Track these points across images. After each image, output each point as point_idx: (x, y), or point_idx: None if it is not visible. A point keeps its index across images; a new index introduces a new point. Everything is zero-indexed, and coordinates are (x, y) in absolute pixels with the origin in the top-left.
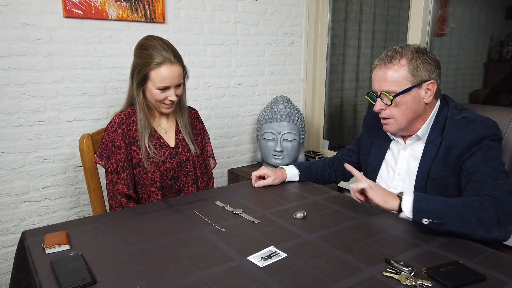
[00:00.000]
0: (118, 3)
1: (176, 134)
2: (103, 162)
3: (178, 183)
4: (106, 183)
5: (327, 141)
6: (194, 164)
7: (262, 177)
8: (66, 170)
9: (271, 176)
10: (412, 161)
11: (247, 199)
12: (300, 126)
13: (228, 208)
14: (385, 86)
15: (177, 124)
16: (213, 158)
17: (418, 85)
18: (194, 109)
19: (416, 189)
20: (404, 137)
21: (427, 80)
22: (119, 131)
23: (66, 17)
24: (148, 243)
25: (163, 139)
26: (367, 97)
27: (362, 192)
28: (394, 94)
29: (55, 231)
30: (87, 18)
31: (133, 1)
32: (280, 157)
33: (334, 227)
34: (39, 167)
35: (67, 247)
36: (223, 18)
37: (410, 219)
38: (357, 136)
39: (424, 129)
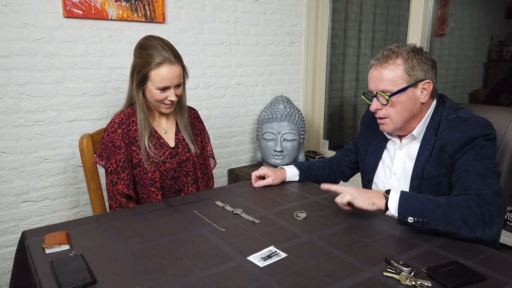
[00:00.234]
0: (118, 3)
1: (176, 134)
2: (103, 162)
3: (178, 183)
4: (106, 183)
5: (327, 141)
6: (194, 164)
7: (262, 177)
8: (66, 170)
9: (271, 176)
10: (407, 160)
11: (247, 199)
12: (300, 126)
13: (228, 208)
14: (381, 85)
15: (177, 124)
16: (213, 158)
17: (414, 84)
18: (194, 109)
19: (411, 188)
20: (400, 137)
21: (423, 80)
22: (119, 131)
23: (66, 17)
24: (148, 243)
25: (163, 139)
26: (363, 97)
27: (349, 203)
28: (390, 94)
29: (55, 231)
30: (87, 18)
31: (133, 1)
32: (280, 157)
33: (334, 227)
34: (39, 167)
35: (67, 247)
36: (223, 18)
37: (396, 217)
38: (356, 136)
39: (419, 129)
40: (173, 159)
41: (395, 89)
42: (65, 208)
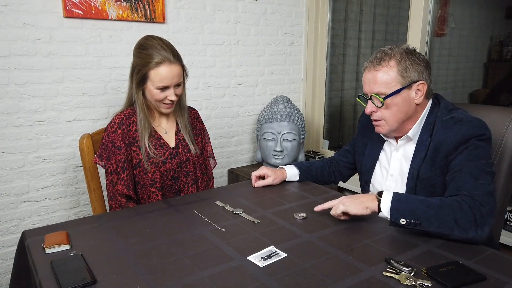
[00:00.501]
0: (118, 3)
1: (176, 134)
2: (103, 163)
3: (178, 183)
4: (106, 184)
5: (327, 141)
6: (194, 164)
7: (262, 177)
8: (66, 170)
9: (271, 176)
10: (404, 161)
11: (247, 199)
12: (300, 126)
13: (228, 208)
14: (375, 88)
15: (177, 124)
16: (213, 158)
17: (408, 86)
18: (194, 109)
19: (407, 190)
20: (396, 138)
21: (417, 81)
22: (119, 131)
23: (66, 17)
24: (148, 243)
25: (163, 139)
26: (358, 100)
27: (344, 213)
28: (384, 96)
29: (55, 231)
30: (87, 18)
31: (133, 1)
32: (280, 157)
33: (334, 227)
34: (39, 167)
35: (67, 247)
36: (223, 18)
37: (388, 219)
38: (354, 136)
39: (414, 130)
40: (173, 160)
41: (389, 91)
42: (65, 208)
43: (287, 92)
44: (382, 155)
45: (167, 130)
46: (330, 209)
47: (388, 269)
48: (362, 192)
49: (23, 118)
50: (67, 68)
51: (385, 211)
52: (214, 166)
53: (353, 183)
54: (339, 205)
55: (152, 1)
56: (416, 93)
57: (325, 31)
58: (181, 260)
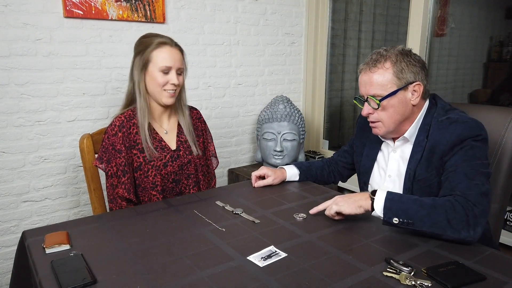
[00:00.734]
0: (118, 3)
1: (177, 136)
2: (103, 166)
3: (180, 185)
4: (107, 186)
5: (327, 141)
6: (195, 166)
7: (262, 177)
8: (66, 170)
9: (271, 176)
10: (401, 162)
11: (247, 199)
12: (300, 126)
13: (228, 208)
14: (371, 90)
15: (179, 125)
16: (216, 157)
17: (404, 87)
18: (196, 109)
19: (404, 191)
20: (394, 139)
21: (413, 82)
22: (120, 134)
23: (66, 17)
24: (148, 243)
25: (164, 141)
26: (355, 102)
27: (338, 213)
28: (381, 98)
29: (55, 231)
30: (87, 18)
31: (133, 1)
32: (280, 157)
33: (334, 227)
34: (39, 167)
35: (67, 247)
36: (223, 18)
37: (381, 218)
38: (353, 137)
39: (411, 131)
40: (174, 162)
41: (385, 93)
42: (65, 208)
43: (287, 92)
44: (380, 156)
45: (168, 131)
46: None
47: (388, 269)
48: None
49: (24, 118)
50: (67, 68)
51: (378, 210)
52: (217, 166)
53: (353, 183)
54: (332, 206)
55: (152, 1)
56: (413, 94)
57: (325, 31)
58: (181, 260)
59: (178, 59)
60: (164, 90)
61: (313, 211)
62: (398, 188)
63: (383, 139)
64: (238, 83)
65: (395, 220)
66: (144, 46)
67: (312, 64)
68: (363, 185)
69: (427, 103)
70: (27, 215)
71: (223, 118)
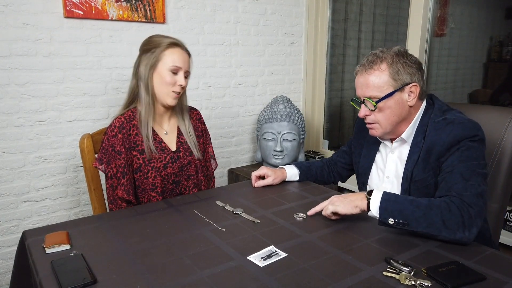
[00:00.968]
0: (119, 3)
1: (177, 137)
2: (103, 167)
3: (180, 187)
4: (106, 188)
5: (327, 141)
6: (196, 167)
7: (262, 177)
8: (66, 170)
9: (271, 176)
10: (399, 163)
11: (247, 199)
12: (300, 126)
13: (228, 208)
14: (367, 91)
15: (178, 125)
16: (214, 159)
17: (400, 88)
18: (196, 110)
19: (402, 192)
20: (392, 139)
21: (409, 83)
22: (119, 135)
23: (67, 17)
24: (148, 243)
25: (164, 142)
26: (352, 103)
27: (335, 213)
28: (377, 100)
29: (55, 231)
30: (88, 18)
31: (134, 1)
32: (280, 157)
33: (334, 227)
34: (39, 167)
35: (67, 247)
36: (223, 18)
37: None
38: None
39: (408, 132)
40: (174, 164)
41: (382, 95)
42: (65, 208)
43: (287, 92)
44: (378, 157)
45: (168, 132)
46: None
47: (388, 269)
48: None
49: (24, 118)
50: (67, 68)
51: (374, 210)
52: (215, 168)
53: (354, 183)
54: (328, 206)
55: (153, 1)
56: (409, 95)
57: (325, 31)
58: (181, 260)
59: (187, 62)
60: (171, 91)
61: (310, 212)
62: (397, 189)
63: (381, 140)
64: (238, 83)
65: (391, 221)
66: (154, 45)
67: (312, 64)
68: (362, 185)
69: (424, 103)
70: (27, 215)
71: (223, 118)
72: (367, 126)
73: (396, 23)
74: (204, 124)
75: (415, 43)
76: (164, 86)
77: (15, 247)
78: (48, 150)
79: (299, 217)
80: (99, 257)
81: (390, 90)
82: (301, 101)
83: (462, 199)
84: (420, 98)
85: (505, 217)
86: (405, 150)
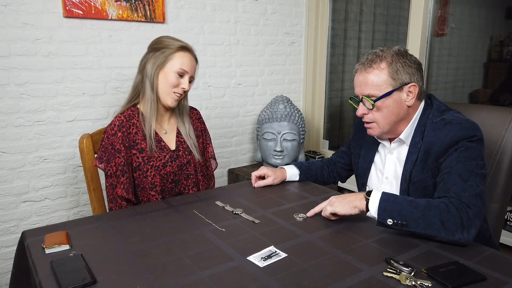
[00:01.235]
0: (118, 3)
1: (177, 136)
2: (103, 165)
3: (179, 186)
4: (106, 186)
5: (327, 141)
6: (195, 167)
7: (262, 177)
8: (66, 170)
9: (271, 176)
10: (398, 164)
11: (247, 199)
12: (300, 126)
13: (228, 208)
14: (366, 90)
15: (178, 128)
16: (215, 159)
17: (399, 88)
18: (196, 110)
19: (401, 192)
20: (390, 139)
21: (408, 83)
22: (119, 134)
23: (66, 17)
24: (148, 243)
25: (163, 141)
26: (350, 102)
27: (334, 213)
28: (375, 98)
29: (55, 231)
30: (87, 18)
31: (133, 1)
32: (280, 157)
33: (334, 227)
34: (39, 167)
35: (67, 247)
36: (223, 18)
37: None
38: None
39: (407, 132)
40: (173, 163)
41: (380, 94)
42: (65, 208)
43: (287, 92)
44: (377, 158)
45: (167, 131)
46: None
47: (388, 269)
48: None
49: (23, 118)
50: (67, 68)
51: (373, 211)
52: (215, 168)
53: (354, 183)
54: (326, 207)
55: (152, 1)
56: (408, 95)
57: (325, 31)
58: (181, 260)
59: (194, 68)
60: (172, 92)
61: (310, 213)
62: (395, 190)
63: (379, 140)
64: (238, 83)
65: (389, 221)
66: (164, 45)
67: (312, 64)
68: (361, 186)
69: (422, 103)
70: (27, 215)
71: (223, 118)
72: (365, 125)
73: (396, 23)
74: (204, 124)
75: (415, 43)
76: (167, 87)
77: (15, 247)
78: (48, 150)
79: (299, 217)
80: (99, 257)
81: (389, 89)
82: (301, 101)
83: (461, 200)
84: (419, 98)
85: (505, 217)
86: (403, 150)
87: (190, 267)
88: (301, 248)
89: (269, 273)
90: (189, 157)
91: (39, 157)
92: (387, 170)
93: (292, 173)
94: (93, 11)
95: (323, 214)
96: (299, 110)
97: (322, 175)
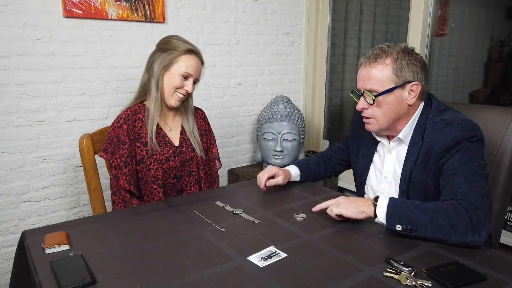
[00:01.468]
0: (118, 3)
1: (181, 133)
2: (108, 156)
3: (181, 182)
4: (110, 178)
5: (327, 141)
6: (197, 164)
7: (271, 177)
8: (66, 170)
9: (281, 175)
10: (397, 164)
11: (247, 199)
12: (300, 126)
13: (228, 208)
14: (368, 84)
15: (182, 125)
16: (219, 159)
17: (402, 85)
18: (201, 110)
19: (400, 192)
20: (389, 138)
21: (411, 82)
22: (125, 126)
23: (66, 17)
24: (148, 243)
25: (167, 137)
26: (351, 95)
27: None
28: (377, 94)
29: (55, 231)
30: (87, 18)
31: (133, 1)
32: (280, 157)
33: (334, 227)
34: (39, 167)
35: (67, 247)
36: (223, 18)
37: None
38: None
39: (406, 131)
40: (176, 158)
41: (382, 89)
42: (65, 208)
43: (287, 92)
44: (376, 157)
45: (172, 128)
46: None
47: (388, 269)
48: (358, 193)
49: (23, 118)
50: (67, 68)
51: (381, 217)
52: (219, 168)
53: (353, 182)
54: (333, 208)
55: (152, 1)
56: (409, 94)
57: (325, 31)
58: (181, 260)
59: (199, 70)
60: (175, 92)
61: (315, 208)
62: (394, 190)
63: (378, 138)
64: (238, 83)
65: (398, 227)
66: (172, 46)
67: (312, 64)
68: (360, 185)
69: (422, 103)
70: (27, 215)
71: (223, 118)
72: (364, 120)
73: (396, 22)
74: (209, 125)
75: (416, 42)
76: (171, 87)
77: (15, 247)
78: (48, 150)
79: (299, 217)
80: (99, 257)
81: (391, 85)
82: (301, 101)
83: (469, 202)
84: (420, 98)
85: (505, 217)
86: (402, 150)
87: (190, 267)
88: (301, 248)
89: (269, 273)
90: (192, 154)
91: (39, 157)
92: (386, 170)
93: (295, 173)
94: (93, 11)
95: (328, 212)
96: (299, 110)
97: (319, 172)
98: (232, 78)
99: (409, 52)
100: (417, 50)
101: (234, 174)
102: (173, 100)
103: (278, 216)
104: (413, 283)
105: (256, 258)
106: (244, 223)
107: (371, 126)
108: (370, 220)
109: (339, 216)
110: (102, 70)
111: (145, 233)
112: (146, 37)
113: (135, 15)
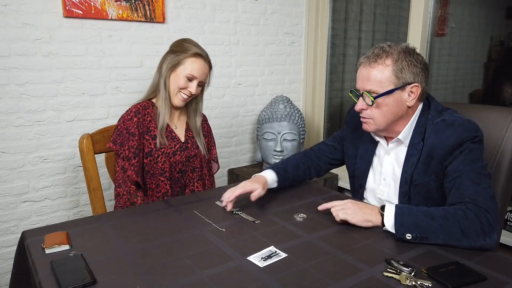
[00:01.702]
0: (118, 3)
1: (186, 132)
2: (117, 147)
3: (185, 177)
4: (117, 170)
5: None
6: (201, 161)
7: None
8: (66, 170)
9: (258, 188)
10: (396, 165)
11: (247, 199)
12: (300, 126)
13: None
14: (368, 85)
15: (187, 123)
16: (217, 162)
17: (402, 87)
18: (202, 112)
19: (401, 194)
20: (387, 139)
21: (411, 83)
22: (135, 119)
23: (66, 17)
24: (148, 243)
25: (174, 132)
26: (350, 94)
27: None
28: (376, 95)
29: (55, 231)
30: (87, 18)
31: (133, 1)
32: (280, 157)
33: (334, 227)
34: (39, 167)
35: (67, 247)
36: (223, 17)
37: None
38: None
39: (405, 133)
40: (182, 153)
41: (382, 91)
42: (65, 208)
43: (287, 92)
44: (374, 158)
45: (177, 126)
46: (328, 209)
47: (388, 269)
48: (354, 196)
49: (23, 118)
50: (67, 68)
51: (389, 226)
52: (217, 171)
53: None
54: (339, 213)
55: (152, 1)
56: (409, 95)
57: (325, 31)
58: (181, 260)
59: (205, 73)
60: (180, 92)
61: (321, 207)
62: (393, 191)
63: (376, 138)
64: (238, 83)
65: (408, 236)
66: (182, 49)
67: (312, 64)
68: (359, 188)
69: (421, 104)
70: (27, 215)
71: (223, 118)
72: (361, 119)
73: (396, 22)
74: (209, 127)
75: (416, 42)
76: (175, 87)
77: (15, 247)
78: (48, 150)
79: (299, 217)
80: (99, 257)
81: (391, 87)
82: (301, 101)
83: (478, 205)
84: (420, 99)
85: (505, 217)
86: (401, 151)
87: (190, 267)
88: (301, 248)
89: (269, 273)
90: (196, 150)
91: (39, 157)
92: (385, 171)
93: (271, 180)
94: (93, 11)
95: (333, 212)
96: (299, 110)
97: (297, 175)
98: (232, 78)
99: (410, 53)
100: (417, 50)
101: (234, 174)
102: (177, 99)
103: (278, 216)
104: (413, 283)
105: (256, 258)
106: (244, 223)
107: (368, 126)
108: None
109: (344, 220)
110: (102, 70)
111: (145, 233)
112: (146, 37)
113: (135, 15)
